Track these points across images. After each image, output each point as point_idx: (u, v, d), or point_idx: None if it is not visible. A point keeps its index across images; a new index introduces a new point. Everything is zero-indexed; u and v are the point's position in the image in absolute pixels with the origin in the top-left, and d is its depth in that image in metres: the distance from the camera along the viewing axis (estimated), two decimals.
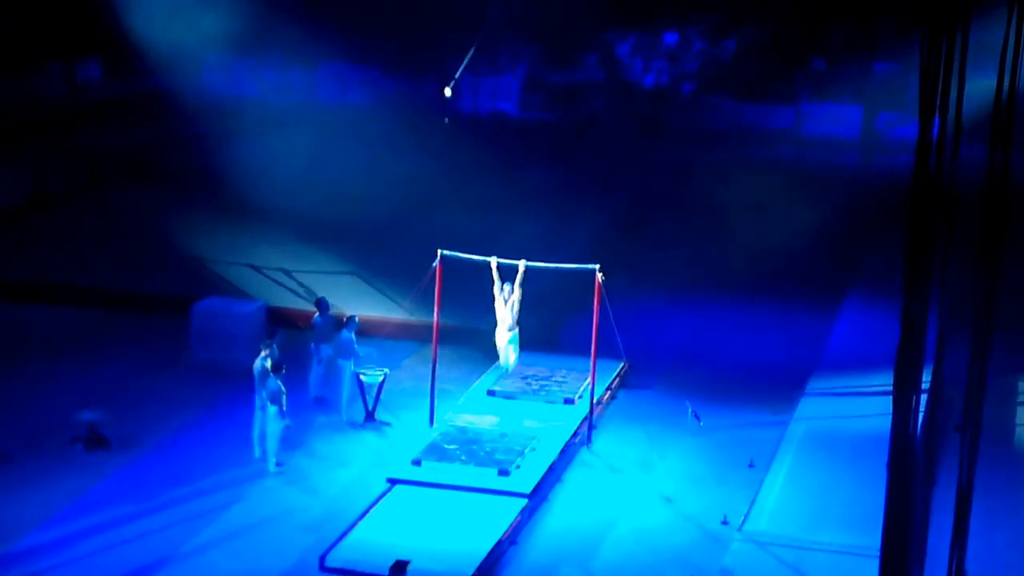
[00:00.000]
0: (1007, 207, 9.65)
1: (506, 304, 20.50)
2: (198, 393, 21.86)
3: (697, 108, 40.34)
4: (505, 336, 20.61)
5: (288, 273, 27.07)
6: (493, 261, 20.41)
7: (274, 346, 19.85)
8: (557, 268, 20.76)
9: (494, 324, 24.50)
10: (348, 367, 21.08)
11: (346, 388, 21.10)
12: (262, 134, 36.84)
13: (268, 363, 19.30)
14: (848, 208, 32.71)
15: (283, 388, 19.05)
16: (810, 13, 40.30)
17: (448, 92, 39.44)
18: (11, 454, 19.30)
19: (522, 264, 20.34)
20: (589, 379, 20.64)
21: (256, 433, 19.49)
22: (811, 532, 17.27)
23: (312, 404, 21.40)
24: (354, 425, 20.93)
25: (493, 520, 17.50)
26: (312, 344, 21.75)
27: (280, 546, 17.17)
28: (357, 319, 21.57)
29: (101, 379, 22.18)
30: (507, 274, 20.51)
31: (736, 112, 39.69)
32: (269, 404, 19.03)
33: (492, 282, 20.51)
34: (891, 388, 9.58)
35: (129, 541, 17.11)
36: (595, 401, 20.74)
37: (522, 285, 20.42)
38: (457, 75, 37.19)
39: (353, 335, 21.23)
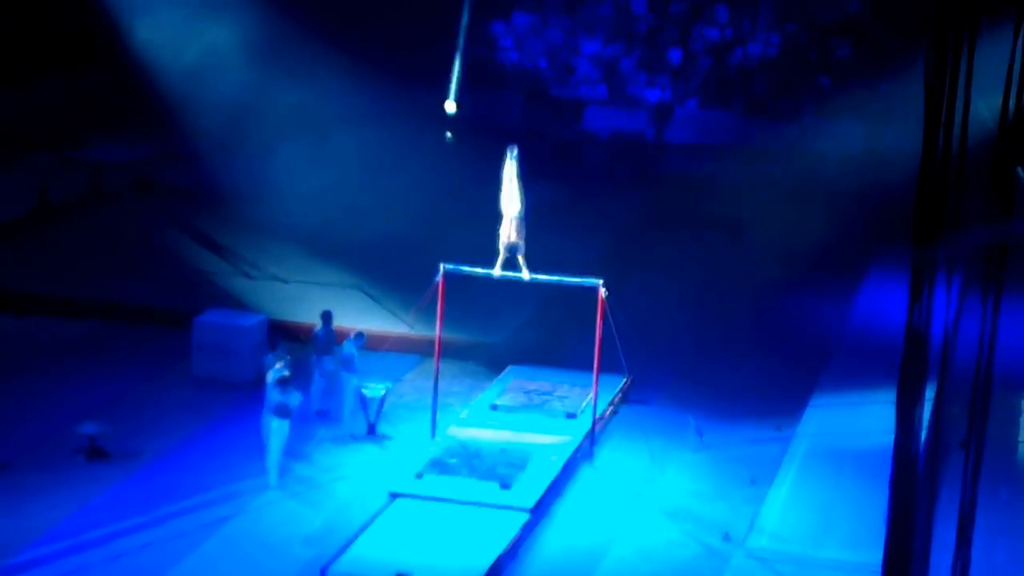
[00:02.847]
0: (1012, 223, 9.67)
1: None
2: (199, 405, 21.83)
3: (701, 123, 40.32)
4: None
5: (290, 286, 27.09)
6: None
7: (287, 358, 19.91)
8: (560, 282, 20.77)
9: (495, 337, 24.59)
10: (351, 380, 21.08)
11: (348, 401, 21.09)
12: (265, 147, 36.84)
13: (276, 375, 19.31)
14: (854, 223, 32.71)
15: (287, 402, 19.02)
16: (817, 30, 40.35)
17: (451, 107, 39.51)
18: (9, 464, 19.29)
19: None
20: (591, 394, 20.62)
21: (263, 434, 19.57)
22: (813, 548, 17.29)
23: (313, 417, 21.35)
24: (356, 438, 20.91)
25: (494, 534, 17.49)
26: (313, 357, 21.73)
27: (281, 559, 17.17)
28: (364, 334, 21.56)
29: (102, 391, 22.14)
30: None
31: (740, 128, 39.66)
32: (273, 418, 19.04)
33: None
34: (895, 402, 9.58)
35: (130, 553, 17.09)
36: (597, 416, 20.72)
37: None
38: (452, 87, 37.32)
39: (356, 349, 21.22)
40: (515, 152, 20.53)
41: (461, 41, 37.64)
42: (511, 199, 20.40)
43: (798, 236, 31.83)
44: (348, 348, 21.20)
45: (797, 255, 31.09)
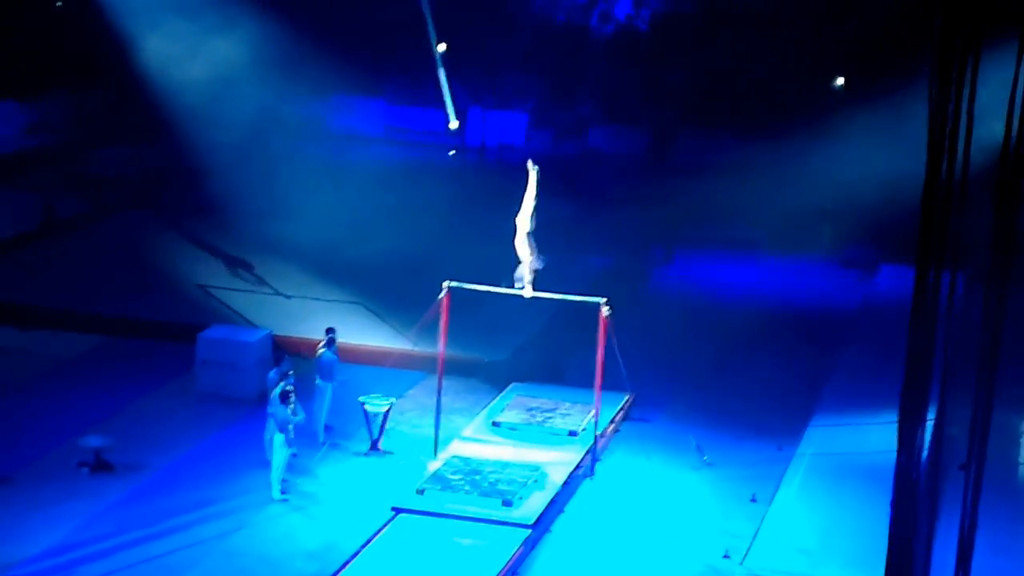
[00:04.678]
0: (1013, 245, 9.75)
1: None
2: (203, 420, 21.88)
3: (702, 143, 40.45)
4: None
5: (294, 302, 27.17)
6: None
7: (290, 373, 19.98)
8: (564, 299, 20.85)
9: (498, 355, 24.68)
10: (327, 388, 21.15)
11: (325, 408, 21.12)
12: (270, 163, 36.98)
13: (279, 390, 19.37)
14: (858, 242, 32.85)
15: (291, 417, 19.09)
16: (817, 50, 40.46)
17: (454, 125, 39.65)
18: (11, 477, 19.35)
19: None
20: (593, 411, 20.68)
21: (266, 449, 19.64)
22: (814, 567, 17.31)
23: (317, 432, 21.34)
24: (351, 452, 20.95)
25: (496, 550, 17.54)
26: (317, 373, 21.76)
27: (283, 574, 17.21)
28: (336, 337, 21.56)
29: (107, 405, 22.21)
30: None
31: (739, 147, 39.77)
32: (276, 432, 19.11)
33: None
34: (896, 422, 9.65)
35: (132, 566, 17.12)
36: (599, 433, 20.78)
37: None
38: (449, 105, 37.46)
39: (334, 354, 21.28)
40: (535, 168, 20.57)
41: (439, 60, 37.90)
42: (527, 215, 20.45)
43: (800, 254, 31.98)
44: (327, 355, 21.26)
45: (799, 272, 31.24)
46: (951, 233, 9.59)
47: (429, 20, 37.22)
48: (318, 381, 21.26)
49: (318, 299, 27.22)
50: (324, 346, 21.38)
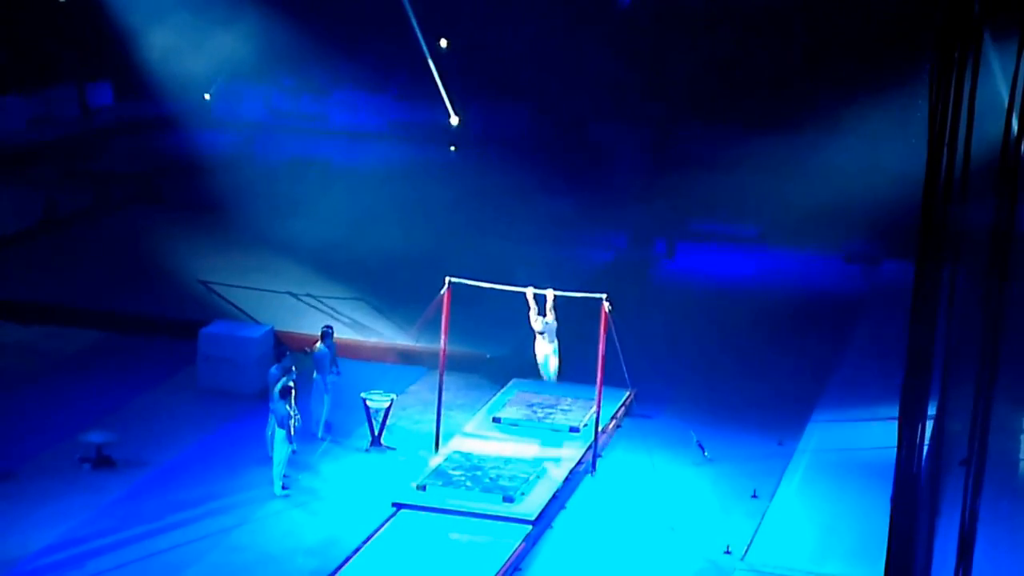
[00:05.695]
0: (1013, 241, 9.74)
1: (542, 320, 21.58)
2: (205, 416, 21.90)
3: (703, 137, 40.39)
4: (546, 347, 21.70)
5: (296, 298, 27.18)
6: (529, 291, 21.15)
7: (292, 369, 19.99)
8: (564, 296, 20.86)
9: (499, 350, 24.68)
10: (323, 383, 21.16)
11: (325, 403, 21.13)
12: (272, 160, 37.00)
13: (280, 386, 19.38)
14: (860, 236, 32.86)
15: (292, 413, 19.10)
16: (818, 44, 40.42)
17: (455, 120, 39.65)
18: (13, 473, 19.37)
19: (550, 293, 21.29)
20: (595, 407, 20.68)
21: (268, 445, 19.65)
22: (815, 563, 17.32)
23: (318, 428, 21.38)
24: (353, 448, 20.96)
25: (497, 546, 17.55)
26: (315, 371, 21.77)
27: (284, 570, 17.23)
28: (332, 332, 21.60)
29: (108, 401, 22.24)
30: (539, 302, 21.49)
31: (742, 141, 39.74)
32: (277, 428, 19.12)
33: (528, 308, 21.51)
34: (896, 418, 9.65)
35: (134, 562, 17.15)
36: (600, 429, 20.78)
37: (553, 310, 21.38)
38: (447, 101, 37.46)
39: (326, 349, 21.29)
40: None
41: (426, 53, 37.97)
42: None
43: (803, 248, 31.97)
44: (322, 349, 21.29)
45: (802, 267, 31.22)
46: (952, 229, 9.58)
47: (411, 15, 37.26)
48: (315, 376, 21.31)
49: (320, 295, 27.23)
50: (320, 341, 21.44)
